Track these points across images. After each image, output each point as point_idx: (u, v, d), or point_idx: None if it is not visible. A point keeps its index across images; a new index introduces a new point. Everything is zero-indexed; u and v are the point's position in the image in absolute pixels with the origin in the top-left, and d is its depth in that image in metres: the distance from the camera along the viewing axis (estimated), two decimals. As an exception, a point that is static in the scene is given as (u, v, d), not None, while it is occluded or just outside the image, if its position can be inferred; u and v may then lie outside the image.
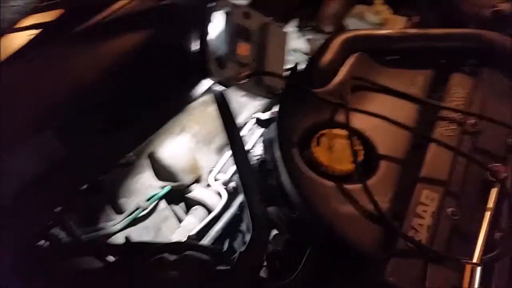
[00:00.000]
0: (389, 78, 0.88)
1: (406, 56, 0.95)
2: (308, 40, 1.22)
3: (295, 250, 0.72)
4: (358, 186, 0.68)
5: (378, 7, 1.10)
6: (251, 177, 0.72)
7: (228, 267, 0.62)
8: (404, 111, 0.82)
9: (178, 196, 1.16)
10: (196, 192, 1.13)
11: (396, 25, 1.10)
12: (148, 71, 0.76)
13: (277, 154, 0.74)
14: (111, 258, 0.77)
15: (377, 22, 1.10)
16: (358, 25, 1.10)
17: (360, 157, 0.72)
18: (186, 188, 1.13)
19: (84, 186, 0.76)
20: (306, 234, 0.71)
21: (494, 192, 0.69)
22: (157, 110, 0.76)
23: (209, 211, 1.11)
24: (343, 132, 0.74)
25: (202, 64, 0.76)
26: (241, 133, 0.83)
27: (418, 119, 0.81)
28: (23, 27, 0.70)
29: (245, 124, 1.29)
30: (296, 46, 1.25)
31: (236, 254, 0.64)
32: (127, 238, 0.83)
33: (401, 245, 0.63)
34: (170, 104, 0.80)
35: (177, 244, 0.70)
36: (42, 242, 0.77)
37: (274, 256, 0.74)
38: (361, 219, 0.65)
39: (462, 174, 0.73)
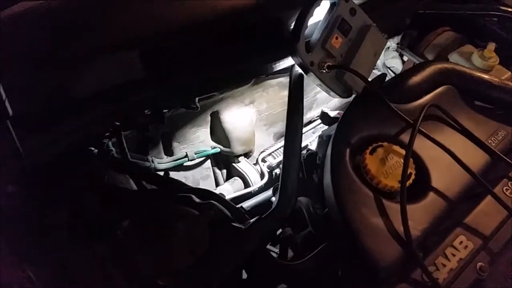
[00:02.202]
0: (471, 122, 0.83)
1: (498, 108, 0.90)
2: (404, 61, 1.19)
3: (310, 243, 0.72)
4: (396, 205, 0.66)
5: (488, 53, 1.04)
6: (295, 157, 0.73)
7: (241, 226, 0.64)
8: (473, 157, 0.77)
9: (224, 162, 1.20)
10: (242, 164, 1.16)
11: (500, 76, 1.03)
12: (243, 29, 0.79)
13: (329, 149, 0.74)
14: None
15: (482, 67, 1.04)
16: (461, 63, 1.05)
17: (409, 181, 0.69)
18: (233, 157, 1.17)
19: (147, 112, 0.80)
20: (327, 232, 0.70)
21: (536, 268, 0.64)
22: (235, 66, 0.79)
23: (247, 186, 1.14)
24: (402, 150, 0.72)
25: (292, 41, 0.77)
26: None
27: (483, 170, 0.77)
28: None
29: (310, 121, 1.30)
30: (391, 63, 1.23)
31: (254, 219, 0.65)
32: (166, 171, 0.88)
33: (417, 276, 0.61)
34: (250, 65, 0.82)
35: (206, 191, 0.73)
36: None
37: (289, 240, 0.74)
38: (386, 237, 0.64)
39: (507, 237, 0.68)
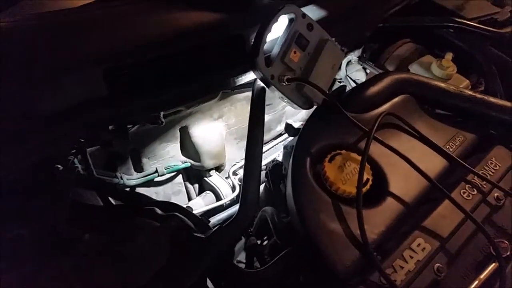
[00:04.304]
0: (428, 128, 0.86)
1: (455, 114, 0.93)
2: (367, 73, 1.23)
3: (276, 252, 0.73)
4: (354, 210, 0.68)
5: (446, 63, 1.09)
6: (255, 167, 0.74)
7: (203, 236, 0.65)
8: (430, 162, 0.80)
9: (196, 176, 1.21)
10: (213, 178, 1.17)
11: (458, 84, 1.08)
12: (205, 45, 0.81)
13: (291, 159, 0.76)
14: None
15: (441, 76, 1.09)
16: (421, 73, 1.09)
17: (367, 186, 0.71)
18: (205, 171, 1.18)
19: (112, 127, 0.81)
20: (290, 239, 0.72)
21: (490, 267, 0.66)
22: (199, 80, 0.81)
23: (219, 200, 1.15)
24: (359, 158, 0.74)
25: (252, 56, 0.80)
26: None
27: (441, 174, 0.79)
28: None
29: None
30: (356, 76, 1.26)
31: (215, 228, 0.66)
32: (132, 187, 0.88)
33: (375, 279, 0.62)
34: (213, 79, 0.84)
35: (169, 203, 0.73)
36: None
37: (254, 249, 0.75)
38: (344, 241, 0.65)
39: (464, 239, 0.70)
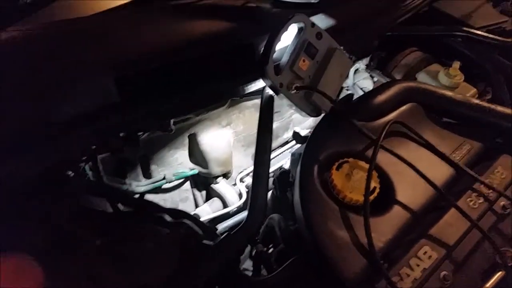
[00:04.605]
0: (435, 137, 0.87)
1: (462, 123, 0.93)
2: (375, 81, 1.24)
3: (283, 260, 0.74)
4: (361, 218, 0.69)
5: (453, 71, 1.10)
6: (264, 173, 0.75)
7: (211, 243, 0.65)
8: (437, 170, 0.81)
9: (203, 183, 1.22)
10: (220, 185, 1.18)
11: (466, 93, 1.08)
12: (216, 53, 0.83)
13: (299, 167, 0.77)
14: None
15: (448, 84, 1.09)
16: (428, 82, 1.10)
17: (374, 194, 0.72)
18: (212, 178, 1.19)
19: (122, 134, 0.83)
20: (297, 246, 0.72)
21: (497, 276, 0.67)
22: (209, 88, 0.82)
23: (226, 206, 1.16)
24: (366, 166, 0.75)
25: (262, 64, 0.81)
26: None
27: (448, 182, 0.80)
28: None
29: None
30: (363, 84, 1.27)
31: (223, 235, 0.67)
32: (141, 194, 0.89)
33: (381, 286, 0.63)
34: (223, 87, 0.85)
35: (178, 211, 0.74)
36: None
37: (261, 257, 0.76)
38: (352, 248, 0.66)
39: (470, 247, 0.71)
